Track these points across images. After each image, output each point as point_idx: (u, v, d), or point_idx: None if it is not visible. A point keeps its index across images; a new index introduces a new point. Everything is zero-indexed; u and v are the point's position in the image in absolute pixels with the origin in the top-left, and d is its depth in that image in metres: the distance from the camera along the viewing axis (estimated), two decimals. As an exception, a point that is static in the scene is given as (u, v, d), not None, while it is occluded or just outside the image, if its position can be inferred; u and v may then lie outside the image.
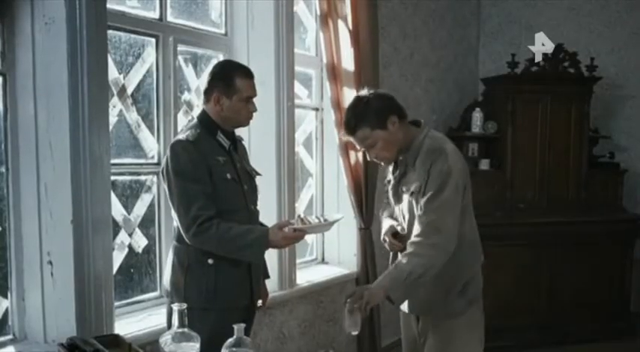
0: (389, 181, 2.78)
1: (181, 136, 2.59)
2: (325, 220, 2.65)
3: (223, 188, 2.57)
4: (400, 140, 2.59)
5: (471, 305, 2.63)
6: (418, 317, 2.78)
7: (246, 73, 2.65)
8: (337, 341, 4.37)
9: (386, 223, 2.83)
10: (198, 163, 2.51)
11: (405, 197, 2.62)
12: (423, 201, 2.50)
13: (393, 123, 2.56)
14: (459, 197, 2.51)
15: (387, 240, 2.75)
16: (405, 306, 2.74)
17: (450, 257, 2.48)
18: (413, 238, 2.51)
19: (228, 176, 2.60)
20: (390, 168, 2.76)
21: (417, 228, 2.51)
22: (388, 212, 2.88)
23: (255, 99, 2.68)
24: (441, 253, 2.47)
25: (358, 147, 2.67)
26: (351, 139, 2.63)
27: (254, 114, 2.70)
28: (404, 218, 2.68)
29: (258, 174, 2.89)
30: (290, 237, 2.54)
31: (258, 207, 2.84)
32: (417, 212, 2.52)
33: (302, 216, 2.70)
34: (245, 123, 2.71)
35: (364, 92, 2.68)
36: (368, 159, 2.73)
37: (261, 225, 2.80)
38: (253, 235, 2.52)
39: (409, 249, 2.49)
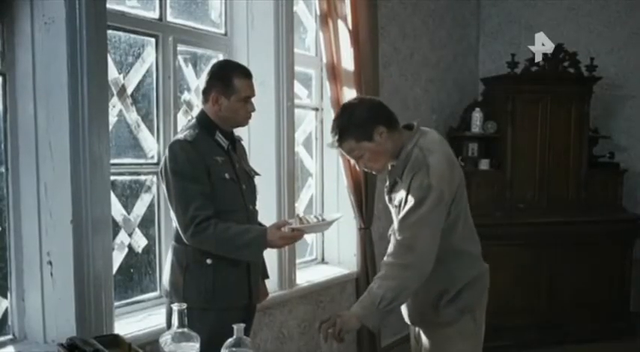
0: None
1: (179, 136, 2.59)
2: (323, 219, 2.64)
3: (222, 188, 2.57)
4: (389, 150, 2.49)
5: (462, 314, 2.54)
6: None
7: (245, 73, 2.64)
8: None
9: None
10: (196, 163, 2.51)
11: (394, 209, 2.56)
12: (399, 216, 2.41)
13: (380, 133, 2.45)
14: (440, 212, 2.39)
15: None
16: (403, 313, 2.72)
17: (426, 276, 2.38)
18: (385, 258, 2.44)
19: (227, 176, 2.60)
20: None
21: (390, 246, 2.45)
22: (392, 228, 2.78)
23: (255, 99, 2.68)
24: (414, 274, 2.37)
25: (347, 157, 2.60)
26: (340, 150, 2.56)
27: (253, 114, 2.69)
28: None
29: (257, 174, 2.89)
30: (288, 236, 2.53)
31: (257, 207, 2.84)
32: (396, 229, 2.44)
33: (301, 215, 2.69)
34: (243, 123, 2.71)
35: (351, 100, 2.62)
36: (358, 169, 2.66)
37: (260, 225, 2.80)
38: (251, 235, 2.51)
39: (381, 272, 2.42)
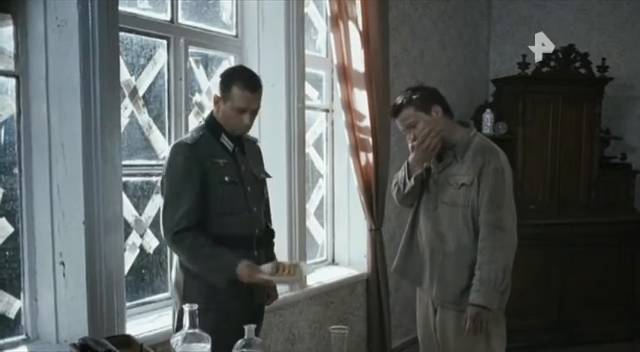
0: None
1: (181, 138, 2.63)
2: (299, 268, 2.66)
3: (220, 190, 2.57)
4: (442, 129, 2.72)
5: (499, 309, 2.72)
6: (436, 310, 2.82)
7: (245, 85, 2.59)
8: (347, 341, 4.36)
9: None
10: (191, 168, 2.53)
11: (450, 188, 2.73)
12: (484, 200, 2.65)
13: (436, 111, 2.73)
14: (512, 191, 2.71)
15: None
16: (426, 290, 2.83)
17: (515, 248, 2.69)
18: (480, 243, 2.65)
19: (227, 179, 2.59)
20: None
21: (482, 229, 2.66)
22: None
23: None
24: (509, 250, 2.66)
25: (400, 128, 2.82)
26: (396, 121, 2.81)
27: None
28: (435, 211, 2.78)
29: (268, 176, 2.88)
30: (255, 280, 2.53)
31: (267, 208, 2.85)
32: (480, 214, 2.66)
33: (278, 261, 2.70)
34: (237, 131, 2.67)
35: (414, 85, 2.92)
36: (409, 144, 2.80)
37: (267, 227, 2.83)
38: (221, 263, 2.52)
39: (480, 258, 2.64)
